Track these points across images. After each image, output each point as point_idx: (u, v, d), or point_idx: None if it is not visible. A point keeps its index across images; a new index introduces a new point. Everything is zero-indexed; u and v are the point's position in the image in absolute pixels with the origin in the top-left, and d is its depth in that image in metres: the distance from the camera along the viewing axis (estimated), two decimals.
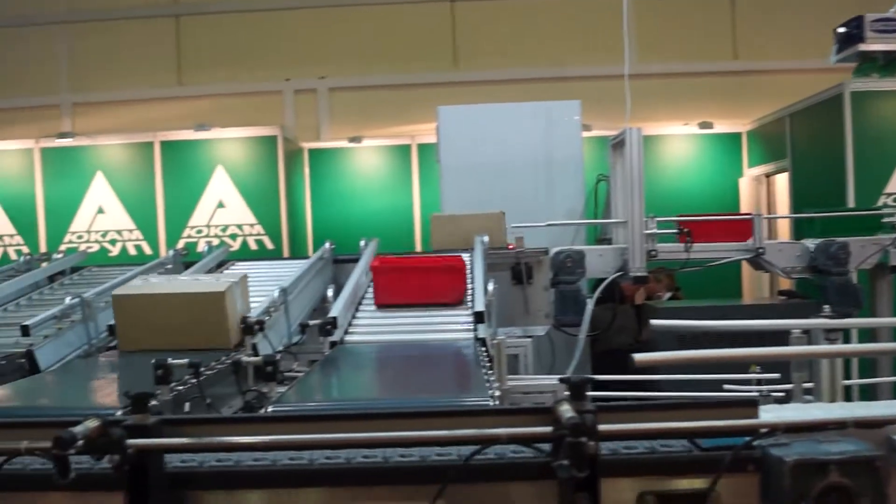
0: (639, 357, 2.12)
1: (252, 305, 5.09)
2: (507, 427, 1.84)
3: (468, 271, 5.78)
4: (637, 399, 4.44)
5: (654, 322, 2.57)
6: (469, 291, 5.53)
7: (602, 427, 1.80)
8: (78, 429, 1.78)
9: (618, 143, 7.76)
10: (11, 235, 10.57)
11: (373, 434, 1.90)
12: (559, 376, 4.90)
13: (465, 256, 6.51)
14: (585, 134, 9.20)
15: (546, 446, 1.91)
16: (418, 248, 10.65)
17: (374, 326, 5.09)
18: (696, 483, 1.95)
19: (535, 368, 6.26)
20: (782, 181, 9.93)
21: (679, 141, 10.82)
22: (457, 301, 5.37)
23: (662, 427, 1.95)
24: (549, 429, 1.83)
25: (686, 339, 6.42)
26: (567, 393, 1.95)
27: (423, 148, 10.81)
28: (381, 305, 5.43)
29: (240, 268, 7.03)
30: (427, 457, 1.97)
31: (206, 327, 4.33)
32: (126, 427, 1.86)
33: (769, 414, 2.09)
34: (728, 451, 1.94)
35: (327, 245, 7.19)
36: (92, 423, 1.81)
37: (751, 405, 2.06)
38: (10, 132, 11.17)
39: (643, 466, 1.97)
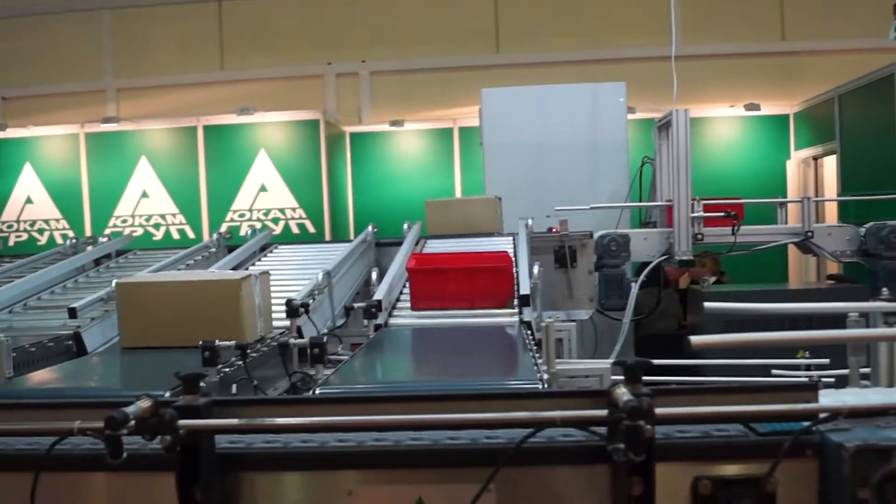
0: (695, 339, 2.07)
1: (296, 289, 5.09)
2: (561, 410, 1.81)
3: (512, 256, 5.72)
4: (686, 383, 4.38)
5: (707, 304, 2.53)
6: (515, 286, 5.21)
7: (658, 410, 1.76)
8: (130, 409, 1.77)
9: (663, 125, 7.68)
10: (57, 220, 10.72)
11: (425, 416, 1.88)
12: (608, 360, 4.86)
13: (507, 244, 6.48)
14: (629, 116, 9.11)
15: (600, 430, 1.88)
16: None
17: (418, 310, 5.07)
18: (751, 468, 1.91)
19: (578, 352, 6.22)
20: (830, 164, 9.78)
21: (725, 123, 10.68)
22: (502, 305, 4.95)
23: (719, 411, 1.90)
24: (604, 412, 1.80)
25: (732, 323, 6.36)
26: (621, 376, 1.91)
27: (464, 131, 10.79)
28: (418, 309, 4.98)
29: (283, 251, 7.05)
30: (478, 440, 1.95)
31: (219, 321, 3.85)
32: (177, 408, 1.85)
33: (828, 399, 2.04)
34: (786, 437, 1.90)
35: (370, 228, 7.17)
36: (144, 404, 1.80)
37: (810, 389, 2.01)
38: (55, 117, 11.30)
39: (698, 451, 1.93)
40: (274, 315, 4.76)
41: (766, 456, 1.89)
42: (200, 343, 3.28)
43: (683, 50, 8.07)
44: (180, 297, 4.08)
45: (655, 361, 4.62)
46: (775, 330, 2.55)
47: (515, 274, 5.42)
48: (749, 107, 10.52)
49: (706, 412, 1.90)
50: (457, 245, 6.73)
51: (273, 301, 4.98)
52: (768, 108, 10.60)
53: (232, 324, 3.86)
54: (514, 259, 5.73)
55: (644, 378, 1.89)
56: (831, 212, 9.41)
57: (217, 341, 3.20)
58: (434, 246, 6.68)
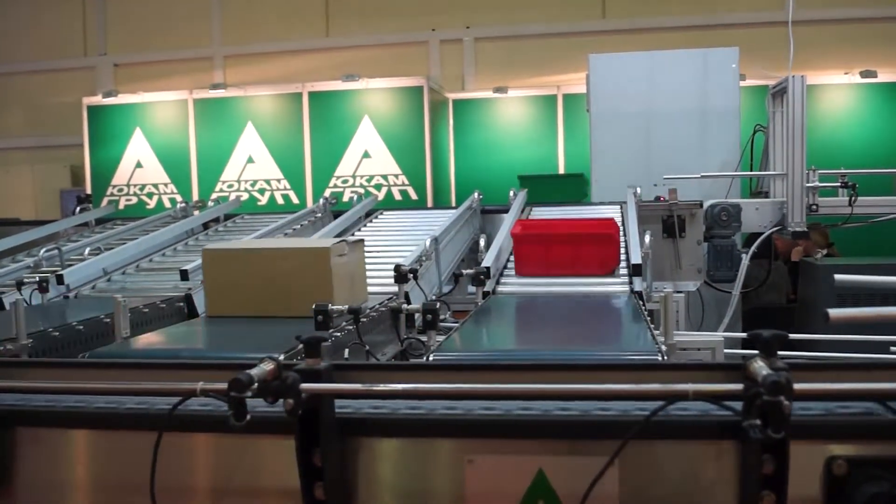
0: (834, 313, 1.97)
1: (403, 254, 5.08)
2: (692, 383, 1.74)
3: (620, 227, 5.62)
4: (797, 358, 4.25)
5: (838, 277, 2.41)
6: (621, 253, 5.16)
7: (795, 386, 1.68)
8: (254, 371, 1.76)
9: (778, 92, 7.45)
10: (166, 184, 10.92)
11: (550, 386, 1.83)
12: (723, 333, 4.72)
13: (614, 213, 6.38)
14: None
15: (730, 404, 1.80)
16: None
17: (525, 277, 5.02)
18: (889, 449, 1.82)
19: (685, 325, 6.11)
20: None
21: (839, 90, 10.28)
22: (608, 272, 4.90)
23: (858, 388, 1.81)
24: (739, 386, 1.73)
25: (846, 298, 6.16)
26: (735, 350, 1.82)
27: (568, 98, 10.64)
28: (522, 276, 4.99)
29: (388, 217, 7.08)
30: (606, 411, 1.89)
31: (308, 291, 3.60)
32: (299, 371, 1.83)
33: None
34: None
35: (476, 195, 7.14)
36: (267, 366, 1.79)
37: None
38: (165, 84, 11.51)
39: (835, 429, 1.84)
40: (381, 280, 4.77)
41: None
42: (316, 306, 3.26)
43: (797, 14, 7.78)
44: (268, 266, 3.90)
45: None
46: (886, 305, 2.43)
47: (623, 242, 5.33)
48: (865, 74, 10.11)
49: (844, 389, 1.81)
50: (561, 213, 6.67)
51: (380, 267, 5.00)
52: (885, 75, 10.17)
53: (322, 294, 3.60)
54: (621, 227, 5.63)
55: (748, 351, 1.81)
56: None
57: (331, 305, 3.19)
58: (540, 213, 6.62)
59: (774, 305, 7.93)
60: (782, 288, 8.14)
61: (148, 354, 3.03)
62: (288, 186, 10.65)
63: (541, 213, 6.70)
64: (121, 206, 10.78)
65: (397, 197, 10.30)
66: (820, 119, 9.93)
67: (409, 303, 4.15)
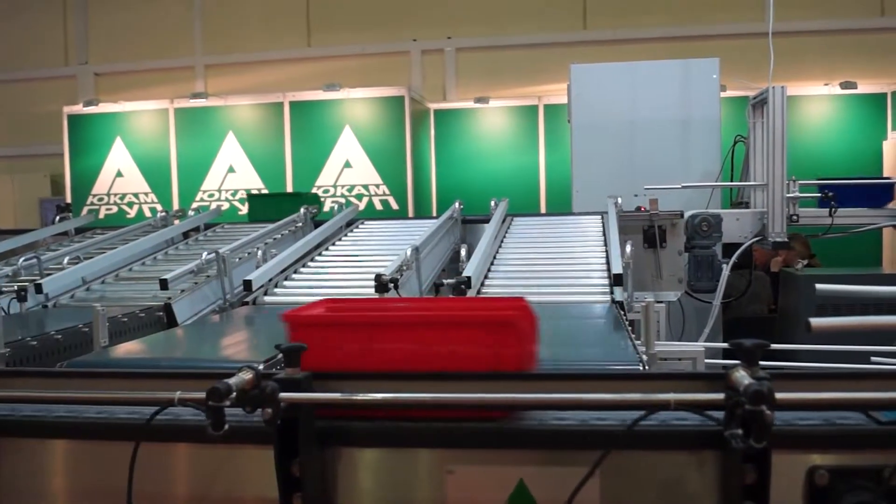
0: (815, 322, 1.98)
1: (383, 264, 5.07)
2: (674, 393, 1.74)
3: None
4: (783, 368, 4.25)
5: (819, 286, 2.42)
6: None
7: (778, 396, 1.68)
8: (232, 381, 1.74)
9: (758, 103, 7.49)
10: (146, 193, 10.89)
11: (529, 395, 1.83)
12: (703, 343, 4.71)
13: (596, 223, 6.36)
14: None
15: (712, 414, 1.79)
16: (543, 209, 10.54)
17: (505, 287, 5.01)
18: (871, 459, 1.81)
19: (666, 335, 6.12)
20: None
21: (819, 101, 10.34)
22: None
23: (840, 397, 1.81)
24: (720, 395, 1.72)
25: (827, 308, 6.17)
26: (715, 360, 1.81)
27: (549, 109, 10.68)
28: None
29: (369, 226, 7.06)
30: (587, 421, 1.88)
31: None
32: (278, 380, 1.81)
33: None
34: None
35: (456, 205, 7.13)
36: (245, 375, 1.77)
37: None
38: (146, 93, 11.49)
39: (817, 439, 1.83)
40: (362, 290, 4.75)
41: (888, 446, 1.79)
42: None
43: (778, 26, 7.81)
44: None
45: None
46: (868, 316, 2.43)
47: (605, 252, 5.31)
48: (845, 85, 10.17)
49: (826, 398, 1.81)
50: (545, 223, 6.67)
51: (361, 276, 4.98)
52: (865, 87, 10.24)
53: None
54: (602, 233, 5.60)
55: (731, 361, 1.81)
56: None
57: None
58: (522, 223, 6.61)
59: (755, 315, 7.95)
60: (763, 298, 8.16)
61: (126, 364, 3.00)
62: None
63: (522, 223, 6.69)
64: (101, 216, 10.73)
65: (378, 207, 10.30)
66: (800, 130, 9.98)
67: None
